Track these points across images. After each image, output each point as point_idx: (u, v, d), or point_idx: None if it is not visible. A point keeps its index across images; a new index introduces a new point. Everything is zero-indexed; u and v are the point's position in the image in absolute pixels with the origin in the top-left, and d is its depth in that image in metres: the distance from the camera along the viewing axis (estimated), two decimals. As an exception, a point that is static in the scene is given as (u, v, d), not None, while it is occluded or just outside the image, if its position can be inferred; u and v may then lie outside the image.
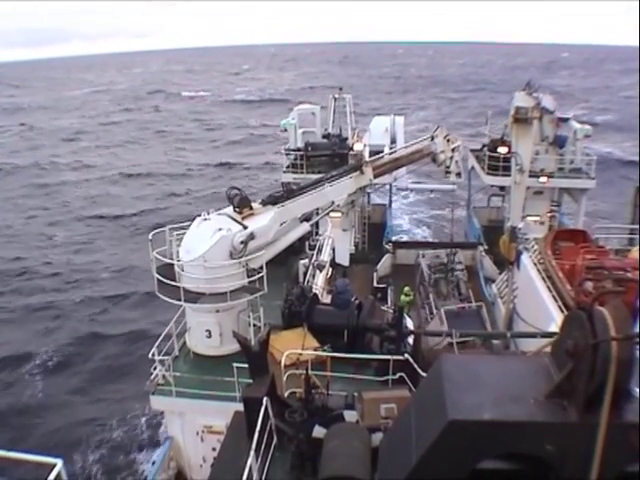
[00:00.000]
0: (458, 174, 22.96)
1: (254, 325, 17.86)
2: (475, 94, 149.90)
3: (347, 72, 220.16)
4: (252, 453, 11.47)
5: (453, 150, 22.29)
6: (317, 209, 21.62)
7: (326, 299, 21.30)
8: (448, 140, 22.16)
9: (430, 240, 46.27)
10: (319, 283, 23.21)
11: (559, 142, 32.41)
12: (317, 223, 24.02)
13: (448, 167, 22.51)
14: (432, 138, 22.15)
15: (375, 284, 29.63)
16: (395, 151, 23.87)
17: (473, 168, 36.70)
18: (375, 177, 21.73)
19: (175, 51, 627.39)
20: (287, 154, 34.86)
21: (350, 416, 12.51)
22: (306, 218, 20.77)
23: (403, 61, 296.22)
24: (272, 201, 19.40)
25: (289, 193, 19.94)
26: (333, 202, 21.21)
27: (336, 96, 37.12)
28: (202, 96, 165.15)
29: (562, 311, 20.45)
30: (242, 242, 17.33)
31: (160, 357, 17.20)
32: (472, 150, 37.52)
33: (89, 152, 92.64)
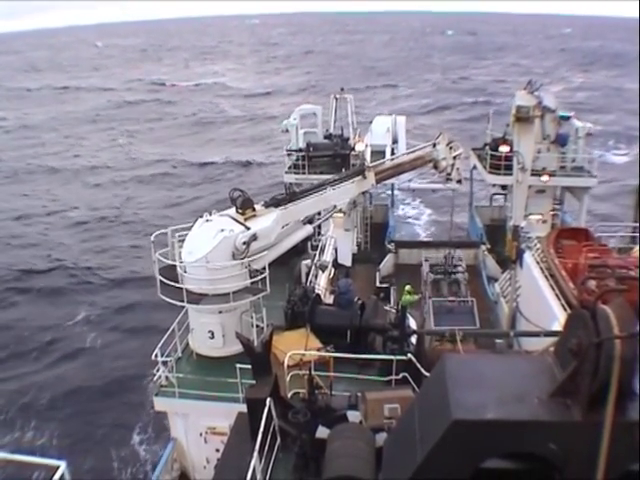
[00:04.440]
0: (459, 181, 22.95)
1: (257, 326, 17.86)
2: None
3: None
4: (255, 454, 11.47)
5: (455, 157, 22.26)
6: (319, 212, 21.65)
7: (329, 299, 21.31)
8: (450, 147, 22.14)
9: (433, 240, 46.22)
10: (322, 283, 23.22)
11: (561, 140, 32.36)
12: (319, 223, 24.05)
13: (449, 174, 22.51)
14: (434, 145, 22.13)
15: (378, 284, 29.66)
16: (397, 157, 23.87)
17: (475, 167, 36.68)
18: (377, 182, 21.87)
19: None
20: (289, 155, 34.87)
21: (353, 416, 12.50)
22: (309, 220, 20.81)
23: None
24: (275, 203, 19.40)
25: (292, 196, 19.98)
26: (335, 206, 21.30)
27: (337, 96, 37.12)
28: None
29: (565, 310, 20.41)
30: (244, 243, 17.32)
31: (163, 358, 17.19)
32: (474, 149, 37.49)
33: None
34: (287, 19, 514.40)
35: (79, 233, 53.01)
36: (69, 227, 54.46)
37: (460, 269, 28.50)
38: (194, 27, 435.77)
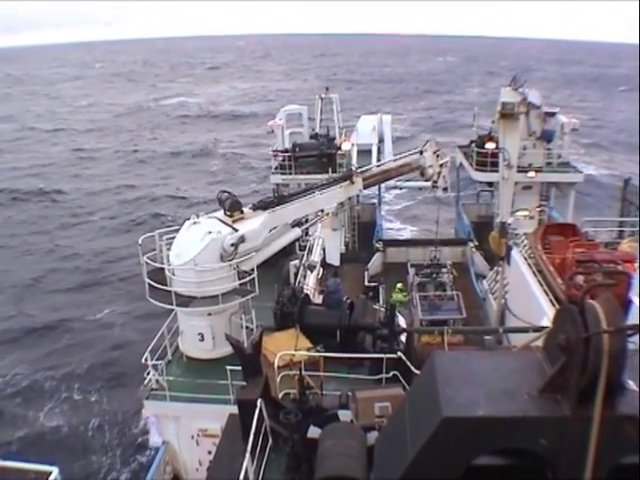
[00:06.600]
0: (445, 189, 23.12)
1: (246, 327, 17.84)
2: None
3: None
4: (247, 455, 11.46)
5: (441, 165, 22.38)
6: (307, 215, 21.73)
7: (318, 299, 21.31)
8: (437, 155, 22.25)
9: (420, 238, 46.28)
10: (310, 283, 23.24)
11: (546, 136, 32.52)
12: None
13: (435, 182, 22.63)
14: (421, 152, 22.23)
15: (366, 283, 29.73)
16: (384, 163, 24.01)
17: (461, 165, 36.78)
18: (365, 188, 22.28)
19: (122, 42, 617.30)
20: (275, 155, 34.88)
21: (344, 416, 12.50)
22: (297, 223, 20.86)
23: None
24: (263, 206, 19.44)
25: (280, 199, 20.04)
26: (323, 210, 21.43)
27: (322, 96, 37.13)
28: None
29: (553, 305, 20.54)
30: (232, 245, 17.31)
31: (153, 362, 17.16)
32: (460, 147, 37.59)
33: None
34: (272, 40, 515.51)
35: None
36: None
37: (445, 270, 28.55)
38: (179, 47, 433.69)
